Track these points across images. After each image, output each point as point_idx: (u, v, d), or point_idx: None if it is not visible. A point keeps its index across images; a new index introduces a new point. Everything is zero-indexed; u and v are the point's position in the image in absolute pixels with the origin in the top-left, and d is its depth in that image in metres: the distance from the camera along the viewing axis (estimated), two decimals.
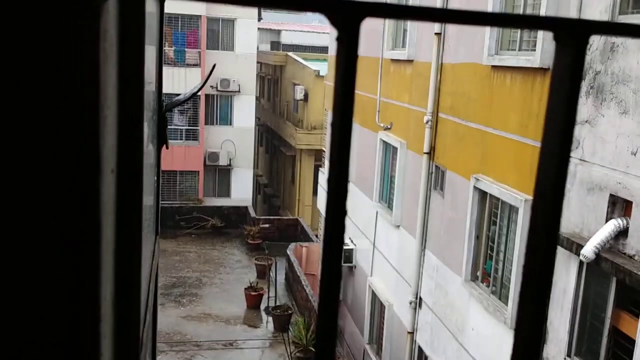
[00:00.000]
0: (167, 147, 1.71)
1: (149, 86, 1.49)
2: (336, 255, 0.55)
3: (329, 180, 0.55)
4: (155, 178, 1.65)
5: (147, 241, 1.30)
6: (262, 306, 17.23)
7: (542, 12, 7.15)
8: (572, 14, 6.58)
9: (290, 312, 16.27)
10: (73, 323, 0.51)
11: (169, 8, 24.73)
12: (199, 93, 24.53)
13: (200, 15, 24.76)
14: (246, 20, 25.69)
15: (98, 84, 0.45)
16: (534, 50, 7.42)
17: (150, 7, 1.29)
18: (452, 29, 9.71)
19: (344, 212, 0.56)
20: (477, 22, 0.54)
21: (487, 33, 8.37)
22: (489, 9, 8.29)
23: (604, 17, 6.17)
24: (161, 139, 1.63)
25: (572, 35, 0.54)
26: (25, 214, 0.45)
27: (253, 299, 17.18)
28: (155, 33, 1.59)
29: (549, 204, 0.55)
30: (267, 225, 22.37)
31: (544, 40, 7.11)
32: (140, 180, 0.71)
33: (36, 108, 0.44)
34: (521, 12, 7.88)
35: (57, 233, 0.46)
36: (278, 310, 16.21)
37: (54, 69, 0.44)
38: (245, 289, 17.40)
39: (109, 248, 0.59)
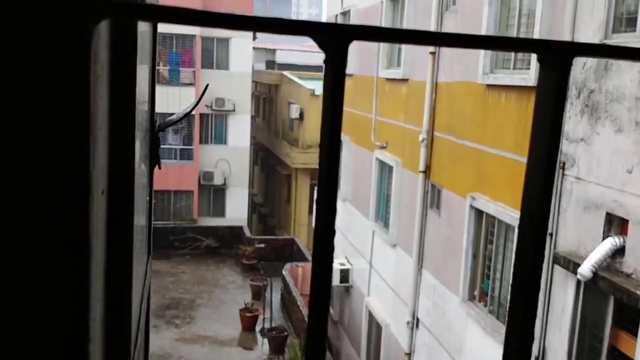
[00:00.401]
0: (159, 168, 1.71)
1: (142, 106, 1.50)
2: (325, 273, 0.55)
3: (318, 201, 0.55)
4: (148, 198, 1.65)
5: (139, 261, 1.29)
6: (258, 328, 17.08)
7: (536, 30, 7.23)
8: (566, 32, 6.66)
9: (286, 333, 16.12)
10: (62, 344, 0.51)
11: (163, 28, 24.93)
12: (193, 112, 24.59)
13: (194, 35, 24.91)
14: (241, 39, 25.87)
15: (88, 105, 0.45)
16: (529, 68, 7.49)
17: (143, 26, 1.30)
18: (446, 48, 9.80)
19: (332, 231, 0.56)
20: (463, 44, 0.54)
21: (482, 52, 8.45)
22: (483, 28, 8.38)
23: (597, 36, 6.24)
24: (154, 159, 1.64)
25: (556, 58, 0.55)
26: (12, 234, 0.45)
27: (248, 321, 17.02)
28: (147, 52, 1.60)
29: (536, 218, 0.56)
30: (262, 245, 22.27)
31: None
32: (131, 201, 0.71)
33: (25, 129, 0.44)
34: (515, 31, 7.97)
35: (46, 253, 0.46)
36: (274, 332, 16.06)
37: (44, 90, 0.44)
38: (240, 310, 17.26)
39: (99, 269, 0.59)
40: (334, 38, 0.53)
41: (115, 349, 0.78)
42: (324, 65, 0.53)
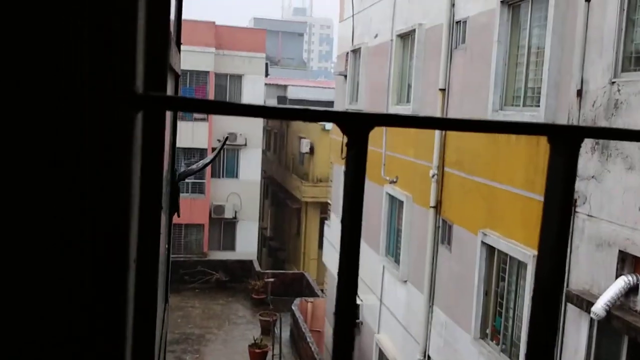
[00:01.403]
0: (178, 216, 1.75)
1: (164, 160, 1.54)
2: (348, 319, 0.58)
3: (339, 278, 0.58)
4: (167, 246, 1.68)
5: (158, 312, 1.31)
6: None
7: (545, 69, 7.30)
8: (575, 71, 6.72)
9: None
10: None
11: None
12: (205, 146, 24.82)
13: (208, 72, 25.33)
14: (253, 76, 26.25)
15: (130, 185, 0.48)
16: (538, 106, 7.54)
17: (171, 84, 1.36)
18: (456, 85, 9.89)
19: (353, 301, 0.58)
20: (476, 129, 0.58)
21: (491, 89, 8.53)
22: (493, 66, 8.47)
23: (607, 75, 6.29)
24: (173, 208, 1.68)
25: (566, 140, 0.58)
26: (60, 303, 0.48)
27: (257, 357, 16.83)
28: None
29: (548, 301, 0.57)
30: (271, 280, 22.17)
31: (548, 96, 7.23)
32: (156, 270, 0.75)
33: (72, 208, 0.48)
34: (524, 69, 8.05)
35: (82, 328, 0.49)
36: None
37: (93, 179, 0.48)
38: (249, 346, 17.09)
39: (128, 339, 0.61)
40: (357, 125, 0.56)
41: None
42: (346, 148, 0.57)
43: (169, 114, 1.28)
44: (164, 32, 0.76)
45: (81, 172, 0.48)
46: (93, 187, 0.47)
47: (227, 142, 25.89)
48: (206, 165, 2.43)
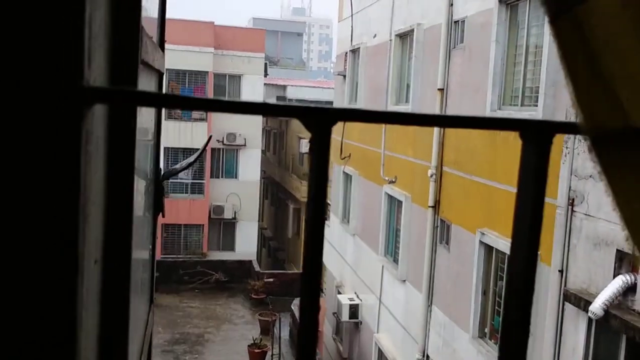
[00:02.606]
0: (163, 216, 1.74)
1: (148, 155, 1.53)
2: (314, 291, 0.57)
3: (304, 268, 0.56)
4: (151, 247, 1.67)
5: (139, 313, 1.30)
6: None
7: (543, 69, 7.28)
8: None
9: None
10: None
11: (177, 64, 25.30)
12: (205, 149, 24.77)
13: (207, 72, 25.32)
14: (252, 76, 26.23)
15: (78, 185, 0.47)
16: (536, 105, 7.52)
17: (149, 82, 1.35)
18: (454, 84, 9.88)
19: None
20: (447, 124, 0.56)
21: (490, 88, 8.52)
22: (491, 65, 8.46)
23: None
24: (157, 208, 1.66)
25: (538, 135, 0.56)
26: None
27: (256, 357, 16.83)
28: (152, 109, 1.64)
29: (520, 298, 0.56)
30: (271, 280, 22.17)
31: (546, 95, 7.21)
32: (126, 268, 0.73)
33: (14, 208, 0.46)
34: (522, 68, 8.03)
35: (30, 328, 0.47)
36: None
37: (32, 170, 0.46)
38: (249, 346, 17.08)
39: (92, 339, 0.60)
40: (319, 120, 0.55)
41: None
42: (309, 144, 0.55)
43: (146, 111, 1.27)
44: (133, 27, 0.74)
45: (24, 168, 0.47)
46: (36, 184, 0.46)
47: (227, 143, 25.89)
48: (190, 164, 2.42)
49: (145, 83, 1.20)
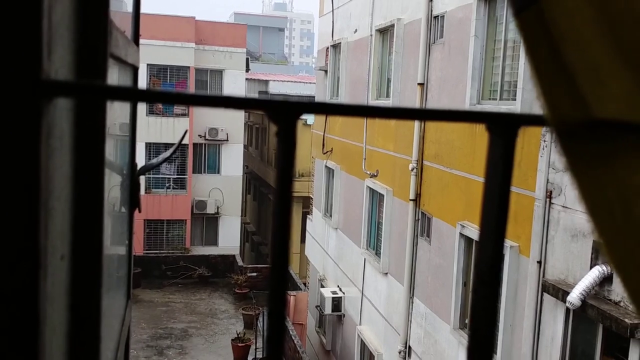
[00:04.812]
0: (139, 211, 1.73)
1: (123, 149, 1.52)
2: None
3: (271, 260, 0.57)
4: (127, 242, 1.66)
5: (115, 309, 1.29)
6: (250, 357, 16.87)
7: (521, 63, 7.35)
8: None
9: None
10: None
11: (158, 60, 25.08)
12: (186, 142, 24.64)
13: (189, 67, 25.14)
14: (234, 71, 26.10)
15: (38, 178, 0.46)
16: (515, 99, 7.59)
17: (122, 77, 1.33)
18: (434, 79, 9.93)
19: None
20: (410, 117, 0.57)
21: (469, 83, 8.57)
22: (470, 60, 8.51)
23: None
24: (134, 203, 1.65)
25: (503, 127, 0.57)
26: None
27: (240, 351, 16.83)
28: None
29: (486, 287, 0.57)
30: (254, 274, 22.14)
31: (524, 89, 7.28)
32: (97, 263, 0.73)
33: None
34: (500, 62, 8.10)
35: None
36: None
37: None
38: (233, 340, 17.07)
39: (58, 334, 0.59)
40: (284, 112, 0.55)
41: None
42: (275, 137, 0.56)
43: (119, 106, 1.26)
44: (101, 20, 0.74)
45: None
46: None
47: (209, 138, 25.75)
48: (166, 159, 2.41)
49: (118, 78, 1.19)
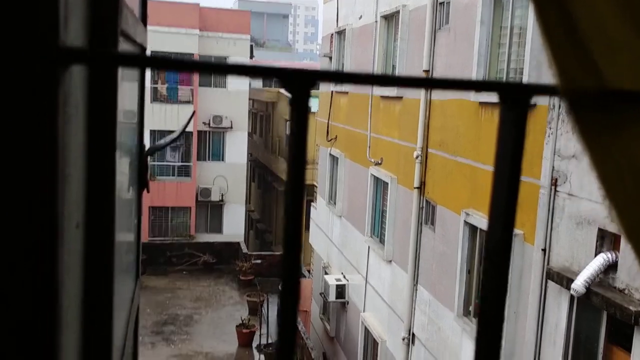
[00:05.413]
0: (147, 191, 1.74)
1: (131, 131, 1.52)
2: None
3: (285, 232, 0.57)
4: (136, 221, 1.67)
5: (126, 286, 1.30)
6: (254, 344, 16.99)
7: (527, 49, 7.30)
8: None
9: None
10: None
11: (162, 46, 25.06)
12: (191, 129, 24.65)
13: (193, 54, 25.08)
14: (238, 57, 26.02)
15: (56, 145, 0.47)
16: None
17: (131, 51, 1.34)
18: (440, 65, 9.88)
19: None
20: (423, 85, 0.57)
21: (474, 69, 8.53)
22: (475, 46, 8.46)
23: None
24: (142, 183, 1.66)
25: (516, 97, 0.57)
26: None
27: (245, 337, 16.94)
28: (136, 77, 1.63)
29: (495, 265, 0.57)
30: (259, 261, 22.24)
31: (530, 76, 7.24)
32: (110, 232, 0.73)
33: None
34: (506, 49, 8.05)
35: (11, 291, 0.47)
36: (270, 348, 15.99)
37: (8, 129, 0.46)
38: (237, 326, 17.19)
39: (73, 301, 0.60)
40: (298, 81, 0.55)
41: None
42: (289, 106, 0.56)
43: (129, 86, 1.26)
44: None
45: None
46: (13, 143, 0.46)
47: (213, 125, 25.74)
48: (173, 140, 2.43)
49: None
